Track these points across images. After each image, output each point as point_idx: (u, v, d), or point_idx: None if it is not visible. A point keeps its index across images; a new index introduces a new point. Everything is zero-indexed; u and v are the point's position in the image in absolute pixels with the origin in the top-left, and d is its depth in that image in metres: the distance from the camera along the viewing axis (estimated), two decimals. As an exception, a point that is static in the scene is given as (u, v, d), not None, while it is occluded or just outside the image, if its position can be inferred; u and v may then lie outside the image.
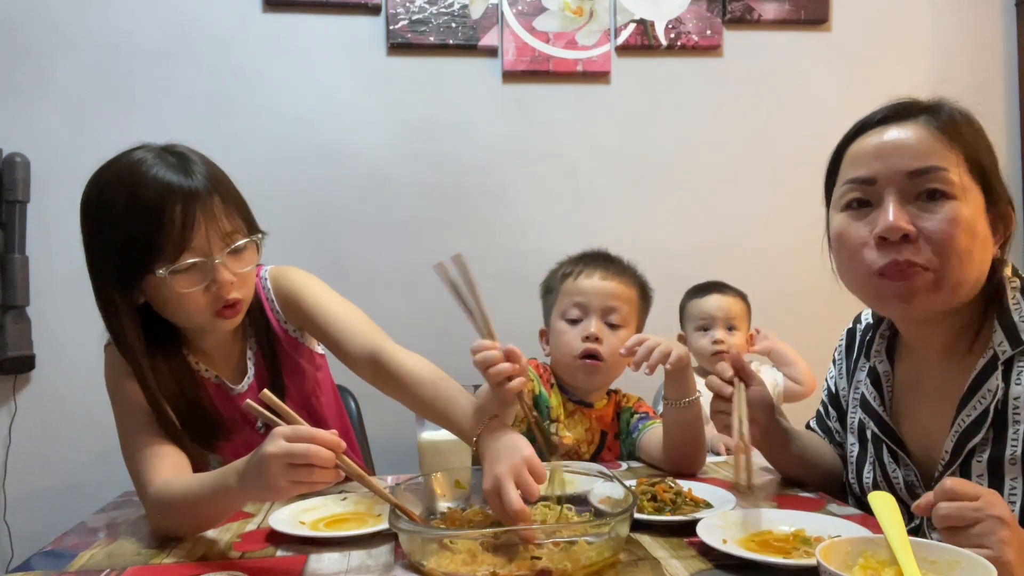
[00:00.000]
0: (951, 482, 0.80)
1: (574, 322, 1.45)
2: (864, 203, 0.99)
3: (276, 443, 0.90)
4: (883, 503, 0.85)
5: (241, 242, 1.13)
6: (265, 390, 0.96)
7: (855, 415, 1.17)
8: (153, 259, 1.07)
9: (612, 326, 1.44)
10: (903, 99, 1.02)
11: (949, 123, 0.97)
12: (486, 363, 0.99)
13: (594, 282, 1.45)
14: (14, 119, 2.16)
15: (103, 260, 1.12)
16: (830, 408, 1.28)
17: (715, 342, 1.97)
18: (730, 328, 2.01)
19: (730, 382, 1.18)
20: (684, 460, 1.30)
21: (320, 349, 1.40)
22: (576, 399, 1.48)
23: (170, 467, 1.10)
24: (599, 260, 1.50)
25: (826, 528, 0.95)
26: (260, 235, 1.17)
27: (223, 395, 1.27)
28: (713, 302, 2.02)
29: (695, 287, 2.10)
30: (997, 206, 0.97)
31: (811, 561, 0.81)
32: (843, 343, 1.27)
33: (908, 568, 0.74)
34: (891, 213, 0.94)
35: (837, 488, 1.24)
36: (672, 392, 1.29)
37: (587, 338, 1.42)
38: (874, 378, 1.13)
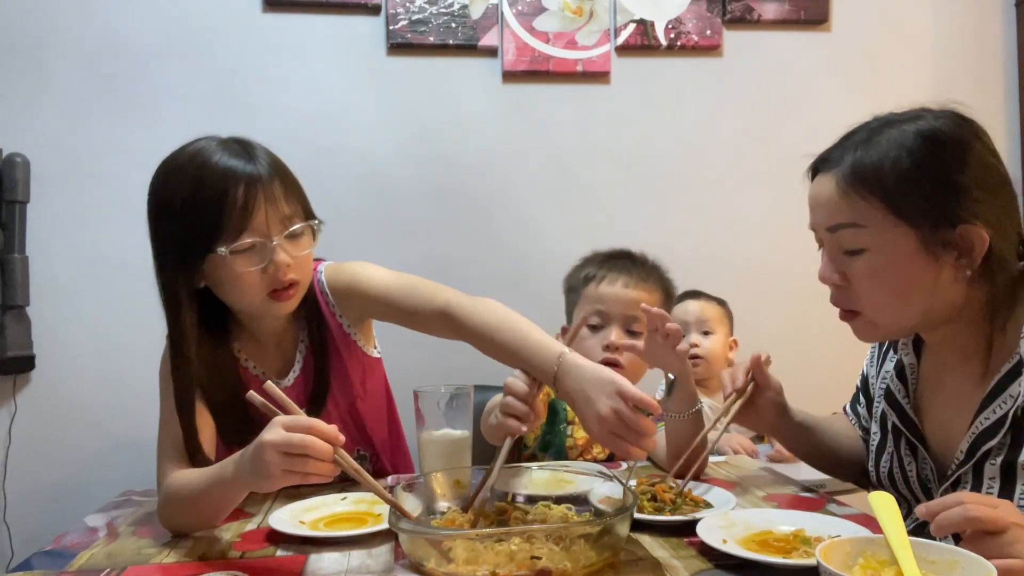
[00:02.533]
0: (967, 496, 0.80)
1: (595, 328, 1.44)
2: (821, 246, 1.07)
3: (275, 431, 0.90)
4: (883, 503, 0.85)
5: (298, 226, 1.17)
6: (269, 382, 0.96)
7: (879, 404, 1.18)
8: (215, 238, 1.10)
9: (633, 333, 1.43)
10: (856, 132, 1.03)
11: (856, 172, 0.97)
12: (510, 390, 1.06)
13: (616, 290, 1.43)
14: (14, 119, 2.16)
15: (168, 242, 1.14)
16: (861, 395, 1.29)
17: (690, 345, 1.96)
18: (705, 332, 2.01)
19: (739, 389, 1.20)
20: (687, 468, 1.30)
21: (376, 352, 1.39)
22: None
23: (187, 465, 1.12)
24: (623, 265, 1.47)
25: (826, 528, 0.95)
26: (317, 221, 1.21)
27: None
28: (686, 307, 2.02)
29: (683, 295, 2.07)
30: (955, 230, 0.94)
31: (811, 561, 0.81)
32: None
33: (908, 568, 0.74)
34: (821, 267, 1.06)
35: (859, 473, 1.26)
36: (674, 405, 1.26)
37: (607, 347, 1.41)
38: (899, 370, 1.13)
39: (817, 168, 1.06)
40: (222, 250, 1.10)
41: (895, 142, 0.97)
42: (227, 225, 1.10)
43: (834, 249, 1.03)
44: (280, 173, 1.17)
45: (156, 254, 1.16)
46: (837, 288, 1.04)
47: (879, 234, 0.97)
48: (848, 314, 1.05)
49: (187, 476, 1.07)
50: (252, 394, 0.94)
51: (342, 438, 0.92)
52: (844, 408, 1.35)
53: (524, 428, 1.04)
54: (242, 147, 1.16)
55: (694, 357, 1.97)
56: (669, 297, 1.52)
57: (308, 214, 1.21)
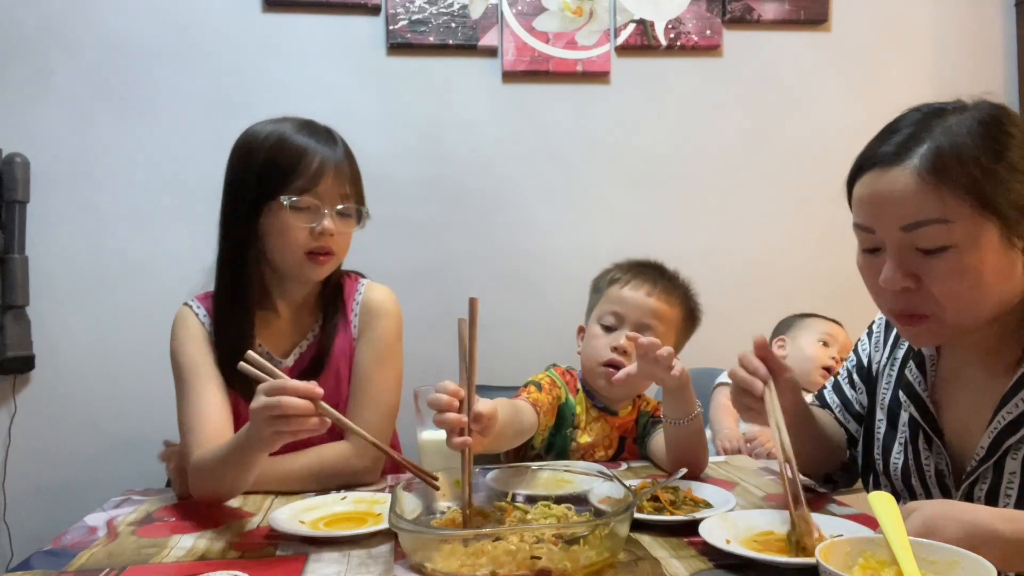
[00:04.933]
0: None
1: (608, 329, 1.44)
2: (873, 249, 0.99)
3: (257, 399, 1.00)
4: (883, 503, 0.85)
5: (350, 205, 1.31)
6: (249, 351, 1.05)
7: (888, 392, 1.16)
8: (283, 188, 1.25)
9: None
10: (894, 133, 0.96)
11: (941, 162, 0.90)
12: (439, 405, 0.98)
13: (638, 296, 1.43)
14: (14, 119, 2.16)
15: (242, 183, 1.29)
16: (855, 378, 1.25)
17: (833, 358, 2.05)
18: (843, 359, 2.06)
19: (762, 379, 1.09)
20: (688, 468, 1.29)
21: None
22: (601, 406, 1.46)
23: (212, 434, 1.21)
24: (650, 274, 1.47)
25: (826, 528, 0.95)
26: (366, 208, 1.34)
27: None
28: (839, 331, 2.10)
29: (820, 315, 2.14)
30: (1014, 223, 0.91)
31: (812, 561, 0.81)
32: (884, 317, 1.23)
33: (908, 568, 0.74)
34: (887, 271, 0.95)
35: (837, 468, 1.24)
36: (672, 411, 1.26)
37: (615, 349, 1.41)
38: (919, 361, 1.11)
39: (867, 166, 0.97)
40: (284, 199, 1.25)
41: (965, 130, 0.91)
42: (296, 181, 1.25)
43: (905, 249, 0.94)
44: (351, 160, 1.33)
45: (230, 191, 1.31)
46: (904, 293, 0.95)
47: (967, 228, 0.90)
48: (913, 319, 0.97)
49: (214, 447, 1.16)
50: (243, 365, 1.04)
51: (319, 391, 1.00)
52: (821, 392, 1.32)
53: (469, 440, 0.97)
54: (325, 129, 1.33)
55: (831, 369, 2.05)
56: (692, 317, 1.49)
57: (360, 201, 1.34)
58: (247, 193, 1.28)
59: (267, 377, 1.03)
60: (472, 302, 1.01)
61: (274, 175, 1.26)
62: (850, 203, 1.02)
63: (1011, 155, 0.91)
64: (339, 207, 1.29)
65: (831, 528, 0.95)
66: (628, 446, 1.49)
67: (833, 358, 2.06)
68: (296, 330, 1.38)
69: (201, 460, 1.17)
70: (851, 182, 1.00)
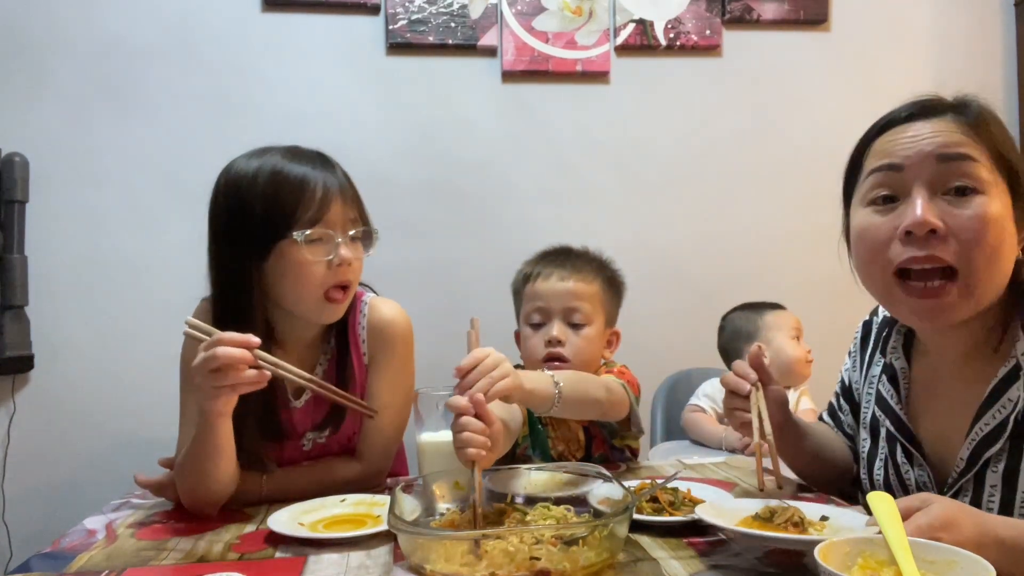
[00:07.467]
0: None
1: (537, 326, 1.44)
2: (890, 199, 0.95)
3: (197, 356, 0.99)
4: (882, 503, 0.85)
5: (361, 229, 1.23)
6: (189, 318, 1.06)
7: (868, 410, 1.16)
8: (291, 225, 1.15)
9: (575, 326, 1.42)
10: (928, 96, 0.99)
11: (977, 118, 0.94)
12: (458, 428, 0.98)
13: (552, 284, 1.43)
14: (13, 119, 2.16)
15: (241, 228, 1.17)
16: (843, 401, 1.26)
17: (808, 350, 2.05)
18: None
19: (751, 383, 1.13)
20: (607, 417, 1.30)
21: None
22: None
23: None
24: (556, 259, 1.47)
25: (817, 512, 0.96)
26: (375, 229, 1.26)
27: (282, 403, 1.28)
28: (796, 319, 2.08)
29: (759, 304, 2.10)
30: (1021, 204, 0.94)
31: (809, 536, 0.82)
32: (859, 335, 1.24)
33: (907, 568, 0.74)
34: (918, 207, 0.90)
35: (848, 484, 1.23)
36: (537, 410, 1.22)
37: (549, 342, 1.41)
38: (891, 375, 1.10)
39: (892, 124, 0.98)
40: (297, 235, 1.14)
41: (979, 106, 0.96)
42: (304, 215, 1.15)
43: (937, 185, 0.92)
44: (350, 181, 1.24)
45: (223, 239, 1.19)
46: (927, 239, 0.90)
47: (993, 180, 0.92)
48: (942, 278, 0.92)
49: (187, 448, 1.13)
50: (187, 331, 1.05)
51: (255, 340, 1.00)
52: (821, 417, 1.33)
53: (483, 454, 0.98)
54: (317, 153, 1.23)
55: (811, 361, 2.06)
56: (613, 287, 1.48)
57: (368, 222, 1.26)
58: (248, 240, 1.16)
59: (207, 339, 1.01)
60: (472, 322, 1.04)
61: (279, 213, 1.15)
62: (854, 175, 1.02)
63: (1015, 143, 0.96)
64: (351, 232, 1.20)
65: (814, 513, 0.95)
66: (598, 443, 1.45)
67: (808, 350, 2.05)
68: (303, 367, 1.24)
69: (180, 463, 1.14)
70: (871, 138, 1.00)
